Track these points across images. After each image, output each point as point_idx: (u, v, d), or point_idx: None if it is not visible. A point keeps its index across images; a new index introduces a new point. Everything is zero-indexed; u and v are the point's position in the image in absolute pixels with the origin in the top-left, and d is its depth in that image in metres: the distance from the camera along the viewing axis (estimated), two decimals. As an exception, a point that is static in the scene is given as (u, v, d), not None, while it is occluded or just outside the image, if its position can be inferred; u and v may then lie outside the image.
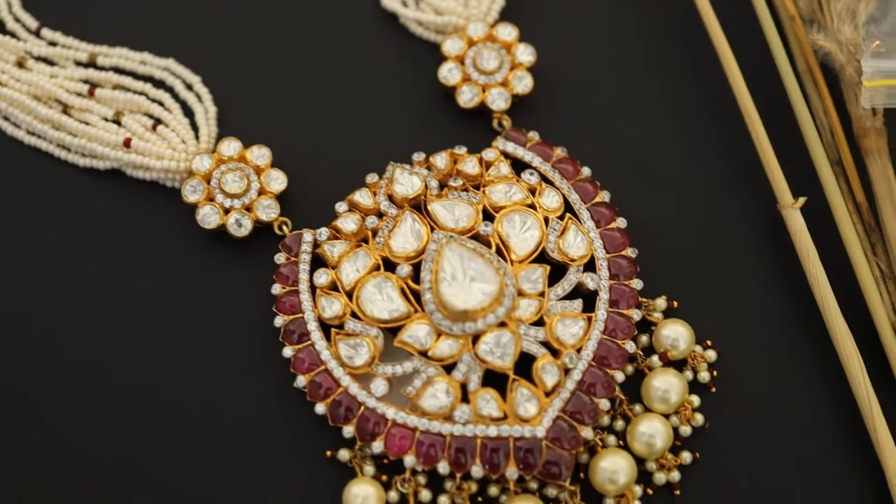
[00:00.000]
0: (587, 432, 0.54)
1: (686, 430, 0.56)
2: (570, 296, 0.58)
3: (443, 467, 0.54)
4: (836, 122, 0.62)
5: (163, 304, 0.59)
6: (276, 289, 0.58)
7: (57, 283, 0.60)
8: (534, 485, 0.55)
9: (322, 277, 0.57)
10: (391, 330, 0.56)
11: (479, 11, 0.65)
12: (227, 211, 0.59)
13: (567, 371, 0.55)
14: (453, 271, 0.55)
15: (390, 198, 0.59)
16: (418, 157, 0.61)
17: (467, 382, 0.55)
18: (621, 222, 0.59)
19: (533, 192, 0.59)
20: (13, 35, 0.66)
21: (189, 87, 0.64)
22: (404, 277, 0.57)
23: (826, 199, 0.60)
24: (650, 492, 0.56)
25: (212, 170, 0.60)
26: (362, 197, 0.59)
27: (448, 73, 0.63)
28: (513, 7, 0.67)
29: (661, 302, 0.59)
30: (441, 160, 0.60)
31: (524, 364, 0.55)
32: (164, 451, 0.56)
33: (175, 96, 0.64)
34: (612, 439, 0.56)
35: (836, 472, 0.56)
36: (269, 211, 0.60)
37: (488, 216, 0.59)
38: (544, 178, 0.61)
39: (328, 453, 0.56)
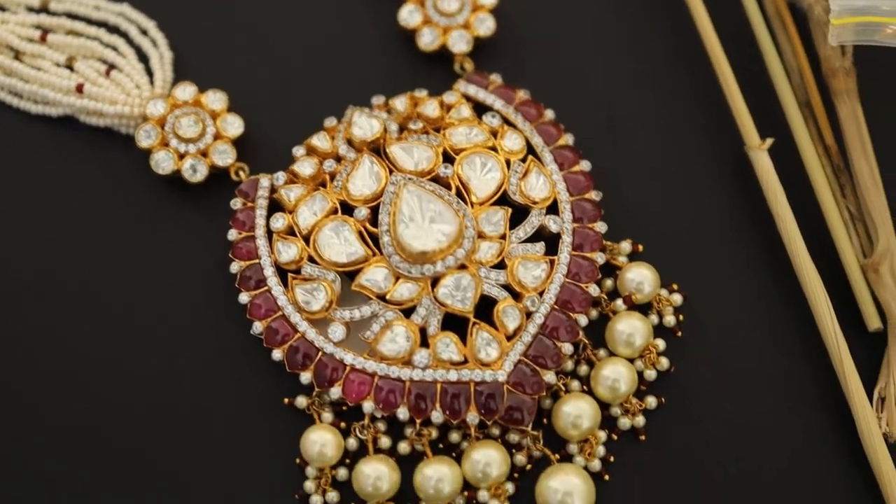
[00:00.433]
0: (550, 377, 0.53)
1: (651, 374, 0.55)
2: (532, 239, 0.56)
3: (402, 413, 0.53)
4: (805, 63, 0.61)
5: (117, 253, 0.58)
6: (232, 234, 0.57)
7: (8, 232, 0.58)
8: (496, 431, 0.54)
9: (278, 222, 0.56)
10: (349, 274, 0.55)
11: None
12: (181, 156, 0.58)
13: (529, 315, 0.54)
14: (411, 213, 0.54)
15: (349, 142, 0.58)
16: (377, 100, 0.60)
17: (427, 326, 0.54)
18: (585, 165, 0.58)
19: (494, 134, 0.58)
20: (-36, -18, 0.65)
21: (144, 32, 0.63)
22: (362, 220, 0.55)
23: (794, 141, 0.59)
24: (615, 437, 0.55)
25: (166, 114, 0.58)
26: (320, 141, 0.58)
27: (408, 16, 0.62)
28: (476, -51, 0.66)
29: (625, 245, 0.58)
30: (401, 103, 0.59)
31: (485, 308, 0.54)
32: (119, 401, 0.55)
33: (129, 42, 0.63)
34: (575, 384, 0.55)
35: (805, 416, 0.55)
36: (224, 156, 0.58)
37: (448, 159, 0.57)
38: (506, 121, 0.59)
39: (286, 401, 0.55)
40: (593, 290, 0.55)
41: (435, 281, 0.54)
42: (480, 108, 0.60)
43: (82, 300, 0.57)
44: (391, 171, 0.56)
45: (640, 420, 0.55)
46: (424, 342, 0.54)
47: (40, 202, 0.59)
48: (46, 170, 0.60)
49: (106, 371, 0.56)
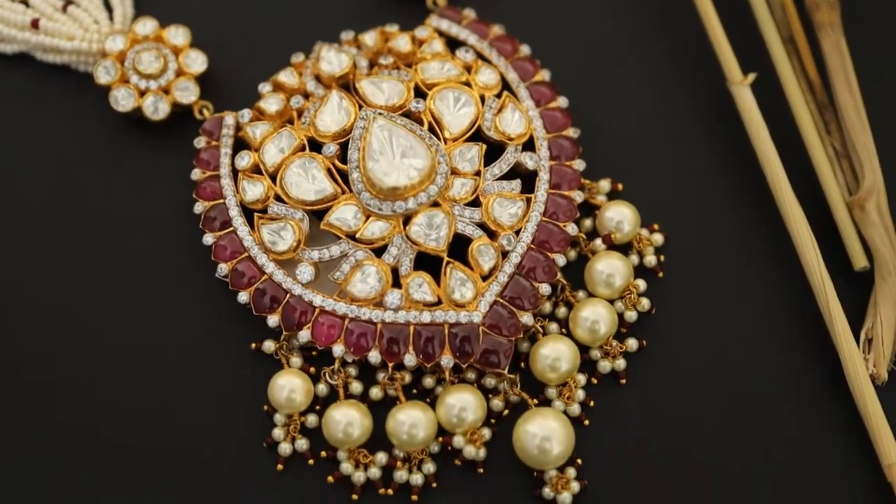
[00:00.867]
0: (527, 318, 0.52)
1: (632, 315, 0.54)
2: (508, 176, 0.54)
3: (374, 357, 0.51)
4: (788, -4, 0.60)
5: (76, 195, 0.56)
6: (196, 174, 0.55)
7: (-38, 175, 0.57)
8: (471, 375, 0.53)
9: (244, 160, 0.54)
10: (317, 213, 0.53)
11: None
12: (142, 93, 0.56)
13: (505, 254, 0.53)
14: (382, 148, 0.52)
15: (317, 78, 0.56)
16: (347, 35, 0.58)
17: (398, 266, 0.52)
18: (562, 101, 0.56)
19: (468, 69, 0.56)
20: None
21: (102, -34, 0.61)
22: (331, 157, 0.53)
23: (777, 76, 0.57)
24: (594, 381, 0.53)
25: (126, 50, 0.56)
26: (287, 77, 0.56)
27: (379, -51, 0.60)
28: None
29: (604, 184, 0.56)
30: (371, 38, 0.57)
31: (459, 247, 0.53)
32: (77, 348, 0.53)
33: (88, -24, 0.61)
34: (553, 326, 0.54)
35: (790, 358, 0.54)
36: (187, 93, 0.56)
37: (420, 94, 0.55)
38: (480, 56, 0.57)
39: (252, 345, 0.53)
40: (571, 229, 0.54)
41: (407, 219, 0.52)
42: (453, 45, 0.58)
43: (40, 244, 0.55)
44: (361, 107, 0.54)
45: (621, 363, 0.53)
46: (396, 283, 0.52)
47: (-5, 144, 0.58)
48: (1, 110, 0.57)
49: (65, 318, 0.54)
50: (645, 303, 0.54)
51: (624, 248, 0.55)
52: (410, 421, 0.51)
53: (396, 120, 0.53)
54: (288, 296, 0.52)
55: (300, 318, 0.52)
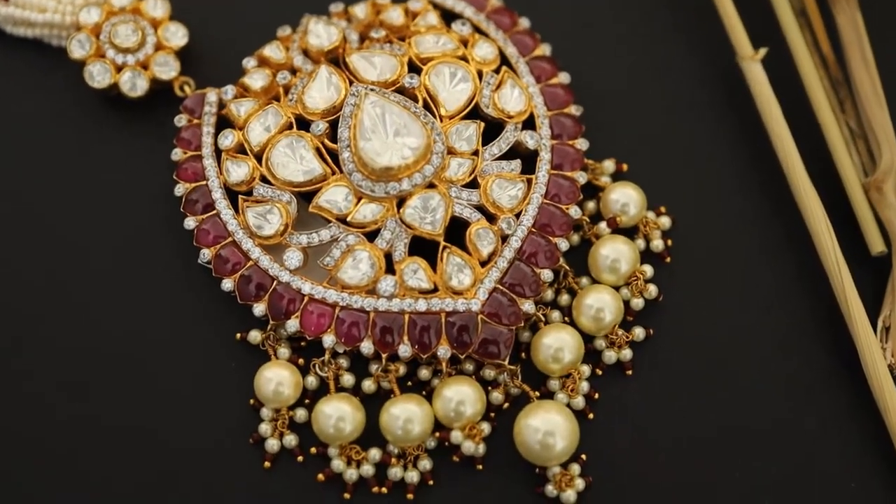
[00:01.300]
0: (528, 306, 0.49)
1: (638, 302, 0.51)
2: (508, 156, 0.52)
3: (366, 347, 0.49)
4: (800, -33, 0.58)
5: (50, 176, 0.53)
6: (177, 154, 0.52)
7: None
8: (469, 366, 0.50)
9: (227, 139, 0.51)
10: (306, 195, 0.50)
11: None
12: (119, 68, 0.53)
13: (505, 238, 0.50)
14: (374, 126, 0.50)
15: (305, 52, 0.54)
16: (336, 7, 0.55)
17: (392, 251, 0.49)
18: (564, 77, 0.54)
19: (465, 43, 0.54)
20: None
21: (76, -66, 0.58)
22: (320, 136, 0.51)
23: (790, 51, 0.55)
24: (599, 372, 0.51)
25: (101, 22, 0.53)
26: (273, 51, 0.53)
27: (370, -84, 0.58)
28: None
29: (608, 164, 0.54)
30: (361, 10, 0.54)
31: (456, 231, 0.50)
32: (54, 339, 0.51)
33: (61, -55, 0.58)
34: (556, 315, 0.51)
35: (805, 348, 0.51)
36: (167, 69, 0.54)
37: (414, 69, 0.53)
38: (477, 30, 0.55)
39: (237, 336, 0.51)
40: (574, 212, 0.51)
41: (401, 201, 0.50)
42: (449, 17, 0.55)
43: (9, 229, 0.52)
44: (351, 83, 0.52)
45: (627, 353, 0.51)
46: (390, 269, 0.49)
47: (-37, 123, 0.55)
48: (-31, 87, 0.55)
49: (40, 307, 0.51)
50: (652, 289, 0.51)
51: (629, 232, 0.53)
52: (405, 415, 0.48)
53: (389, 96, 0.50)
54: (275, 283, 0.49)
55: (288, 306, 0.49)
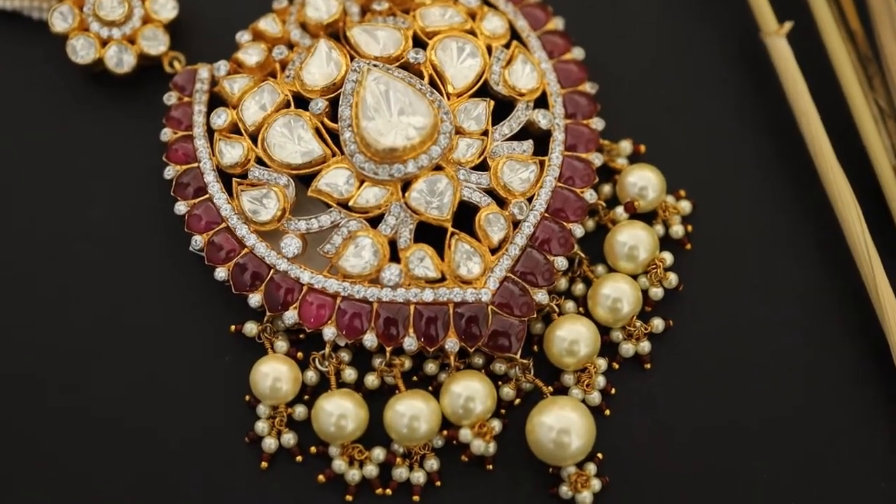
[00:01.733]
0: (541, 296, 0.47)
1: (657, 292, 0.49)
2: (519, 136, 0.49)
3: (369, 340, 0.46)
4: (827, -64, 0.55)
5: (32, 158, 0.51)
6: (167, 134, 0.50)
7: None
8: (479, 360, 0.48)
9: (220, 118, 0.49)
10: (304, 179, 0.48)
11: None
12: (104, 43, 0.51)
13: (516, 224, 0.48)
14: (377, 104, 0.47)
15: (302, 26, 0.51)
16: (335, -23, 0.53)
17: (397, 238, 0.47)
18: (578, 53, 0.52)
19: (473, 16, 0.51)
20: None
21: None
22: (319, 115, 0.48)
23: (815, 26, 0.52)
24: (616, 366, 0.48)
25: (85, -7, 0.51)
26: (269, 24, 0.51)
27: None
28: None
29: (625, 145, 0.51)
30: (363, -19, 0.52)
31: (465, 216, 0.47)
32: (42, 332, 0.48)
33: (42, -87, 0.55)
34: (570, 305, 0.49)
35: (832, 341, 0.49)
36: (155, 43, 0.51)
37: (420, 43, 0.50)
38: (486, 2, 0.52)
39: (232, 328, 0.48)
40: (589, 196, 0.49)
41: (406, 185, 0.47)
42: (455, -10, 0.54)
43: (-10, 214, 0.51)
44: (352, 58, 0.49)
45: (646, 345, 0.48)
46: (395, 257, 0.47)
47: (-61, 102, 0.52)
48: (-55, 64, 0.53)
49: (24, 296, 0.49)
50: (672, 278, 0.49)
51: (648, 218, 0.50)
52: (411, 412, 0.46)
53: (393, 72, 0.48)
54: (272, 272, 0.47)
55: (286, 296, 0.47)
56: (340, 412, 0.46)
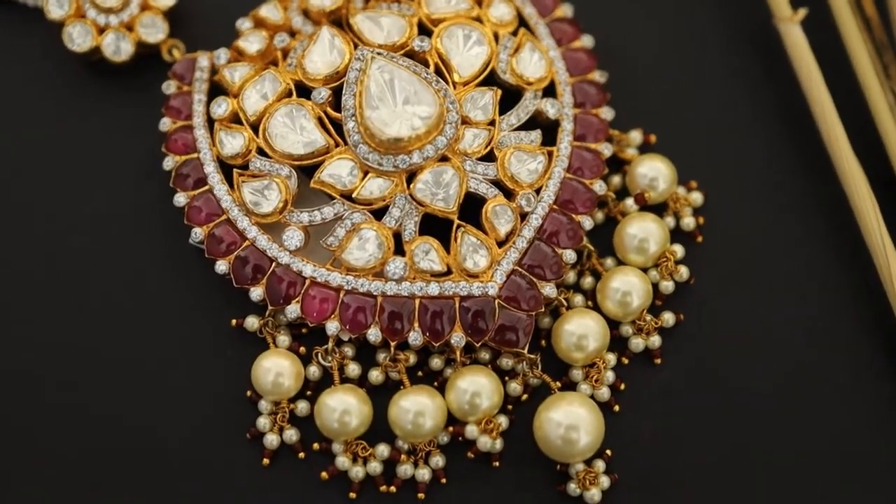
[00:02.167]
0: (549, 289, 0.46)
1: (668, 285, 0.48)
2: (527, 126, 0.48)
3: (373, 335, 0.45)
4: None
5: (27, 149, 0.50)
6: (166, 124, 0.49)
7: None
8: (485, 355, 0.47)
9: (221, 107, 0.48)
10: (307, 170, 0.47)
11: None
12: (101, 30, 0.50)
13: (524, 216, 0.47)
14: (381, 93, 0.46)
15: (305, 13, 0.50)
16: (338, -37, 0.52)
17: (402, 230, 0.46)
18: (587, 41, 0.50)
19: (479, 3, 0.50)
20: None
21: None
22: (322, 104, 0.47)
23: (830, 12, 0.51)
24: (626, 361, 0.47)
25: (82, -21, 0.50)
26: (270, 11, 0.50)
27: None
28: None
29: (635, 135, 0.50)
30: (366, -33, 0.51)
31: (472, 208, 0.46)
32: (39, 329, 0.47)
33: None
34: (579, 299, 0.48)
35: (846, 339, 0.48)
36: (154, 31, 0.50)
37: (425, 31, 0.49)
38: (493, -12, 0.52)
39: (233, 322, 0.47)
40: (599, 187, 0.48)
41: (411, 176, 0.46)
42: (461, -24, 0.52)
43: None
44: (356, 46, 0.48)
45: (656, 340, 0.47)
46: (399, 250, 0.46)
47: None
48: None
49: (21, 292, 0.48)
50: (683, 271, 0.48)
51: (658, 210, 0.49)
52: (416, 408, 0.45)
53: (398, 61, 0.47)
54: (273, 265, 0.46)
55: (288, 290, 0.46)
56: (344, 408, 0.45)
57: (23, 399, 0.47)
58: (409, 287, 0.45)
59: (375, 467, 0.46)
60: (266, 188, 0.46)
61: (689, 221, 0.49)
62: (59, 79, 0.51)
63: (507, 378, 0.47)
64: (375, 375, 0.47)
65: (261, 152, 0.47)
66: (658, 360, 0.48)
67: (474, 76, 0.48)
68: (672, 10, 0.53)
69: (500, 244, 0.46)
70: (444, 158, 0.46)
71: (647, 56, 0.52)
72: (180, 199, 0.48)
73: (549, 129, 0.49)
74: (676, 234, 0.49)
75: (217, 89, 0.50)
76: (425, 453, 0.46)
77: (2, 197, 0.49)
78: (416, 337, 0.45)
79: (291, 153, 0.47)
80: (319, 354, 0.47)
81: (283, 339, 0.47)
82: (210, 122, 0.49)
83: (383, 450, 0.46)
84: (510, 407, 0.47)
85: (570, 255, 0.47)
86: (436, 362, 0.47)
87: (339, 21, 0.49)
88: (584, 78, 0.50)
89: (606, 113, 0.49)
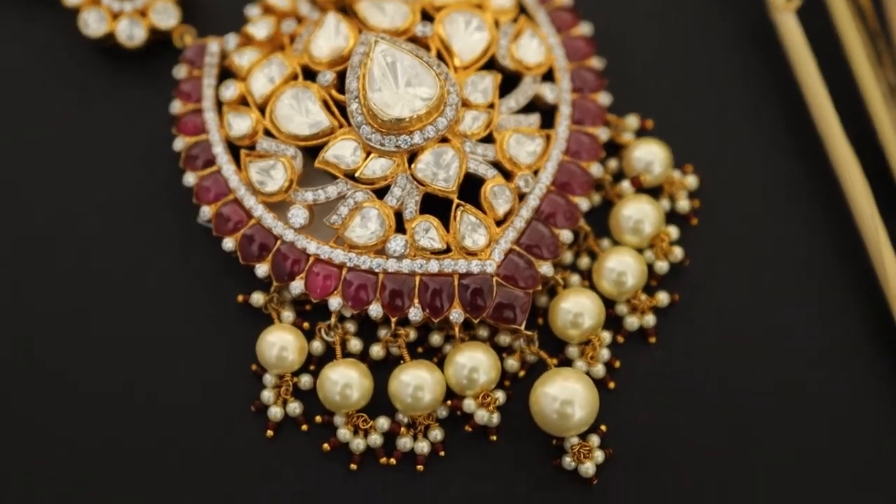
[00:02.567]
0: (546, 268, 0.46)
1: (662, 266, 0.49)
2: (526, 110, 0.49)
3: (375, 310, 0.46)
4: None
5: (43, 132, 0.51)
6: (176, 107, 0.50)
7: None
8: (483, 332, 0.47)
9: (229, 90, 0.49)
10: (312, 151, 0.48)
11: None
12: (115, 16, 0.51)
13: (522, 196, 0.47)
14: (384, 76, 0.47)
15: (312, 0, 0.51)
16: (345, -47, 0.53)
17: (403, 209, 0.47)
18: (586, 28, 0.51)
19: None
20: None
21: None
22: (327, 87, 0.48)
23: (824, 2, 0.52)
24: (621, 339, 0.48)
25: (97, -32, 0.51)
26: None
27: None
28: None
29: (632, 120, 0.51)
30: (372, -44, 0.52)
31: (471, 189, 0.47)
32: (49, 303, 0.48)
33: None
34: (575, 278, 0.48)
35: (838, 318, 0.49)
36: (166, 17, 0.51)
37: (427, 17, 0.50)
38: (494, -23, 0.53)
39: (239, 298, 0.48)
40: (596, 170, 0.48)
41: (412, 156, 0.47)
42: (464, -35, 0.53)
43: (5, 186, 0.50)
44: (360, 31, 0.49)
45: (650, 319, 0.48)
46: (401, 228, 0.47)
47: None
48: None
49: (34, 268, 0.49)
50: (677, 252, 0.49)
51: (654, 192, 0.50)
52: (416, 382, 0.45)
53: (401, 45, 0.48)
54: (279, 242, 0.47)
55: (292, 267, 0.46)
56: (345, 381, 0.46)
57: (32, 373, 0.47)
58: (409, 264, 0.46)
59: (376, 440, 0.46)
60: (272, 168, 0.47)
61: (684, 204, 0.50)
62: (72, 64, 0.52)
63: (504, 354, 0.47)
64: (376, 350, 0.47)
65: (267, 133, 0.48)
66: (653, 339, 0.48)
67: (475, 61, 0.49)
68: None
69: (499, 224, 0.47)
70: (444, 140, 0.47)
71: (644, 44, 0.53)
72: (190, 178, 0.48)
73: (547, 114, 0.49)
74: (672, 217, 0.50)
75: (226, 74, 0.50)
76: (424, 427, 0.46)
77: (20, 176, 0.50)
78: (416, 313, 0.46)
79: (297, 134, 0.47)
80: (322, 330, 0.47)
81: (288, 314, 0.48)
82: (219, 104, 0.49)
83: (383, 423, 0.46)
84: (507, 383, 0.47)
85: (566, 236, 0.47)
86: (435, 339, 0.48)
87: (345, 8, 0.50)
88: (582, 64, 0.50)
89: (604, 98, 0.50)
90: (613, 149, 0.51)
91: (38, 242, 0.49)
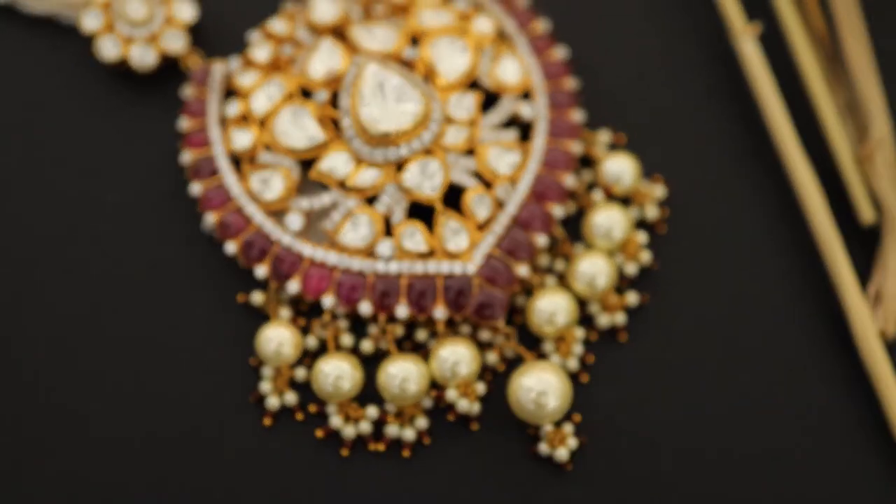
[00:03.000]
0: (523, 270, 0.50)
1: (632, 269, 0.52)
2: (506, 126, 0.53)
3: (365, 308, 0.50)
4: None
5: (59, 149, 0.54)
6: (184, 123, 0.53)
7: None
8: (466, 328, 0.51)
9: (232, 108, 0.53)
10: (308, 163, 0.51)
11: None
12: (129, 42, 0.54)
13: (501, 204, 0.51)
14: (374, 93, 0.51)
15: (309, 26, 0.54)
16: (340, -17, 0.57)
17: (391, 215, 0.51)
18: (561, 52, 0.55)
19: (464, 18, 0.54)
20: None
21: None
22: (322, 104, 0.52)
23: (781, 28, 0.55)
24: (593, 337, 0.51)
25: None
26: (277, 25, 0.54)
27: None
28: None
29: (604, 135, 0.54)
30: (364, -14, 0.56)
31: (454, 198, 0.51)
32: (62, 302, 0.52)
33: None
34: (551, 281, 0.52)
35: (795, 315, 0.52)
36: (175, 42, 0.54)
37: (415, 42, 0.54)
38: (476, 5, 0.55)
39: (240, 297, 0.51)
40: (570, 180, 0.52)
41: (399, 167, 0.51)
42: (449, -5, 0.57)
43: (23, 197, 0.53)
44: (353, 54, 0.53)
45: (621, 317, 0.51)
46: (389, 233, 0.50)
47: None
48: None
49: (49, 271, 0.52)
50: (646, 256, 0.52)
51: (625, 201, 0.53)
52: (402, 374, 0.49)
53: (390, 66, 0.51)
54: (277, 246, 0.50)
55: (289, 268, 0.50)
56: (338, 373, 0.49)
57: (40, 372, 0.51)
58: (396, 266, 0.50)
59: (365, 427, 0.50)
60: (271, 178, 0.51)
61: (652, 212, 0.53)
62: (91, 87, 0.55)
63: (485, 349, 0.51)
64: (367, 345, 0.51)
65: (267, 147, 0.52)
66: (623, 337, 0.51)
67: (458, 81, 0.52)
68: (640, 21, 0.57)
69: (479, 229, 0.50)
70: (429, 152, 0.51)
71: (617, 64, 0.56)
72: (195, 187, 0.52)
73: (525, 130, 0.53)
74: (642, 226, 0.53)
75: (230, 93, 0.54)
76: (411, 416, 0.50)
77: (40, 185, 0.53)
78: (402, 311, 0.50)
79: (294, 148, 0.51)
80: (317, 326, 0.51)
81: (285, 312, 0.51)
82: (223, 121, 0.53)
83: (373, 411, 0.50)
84: (489, 377, 0.50)
85: (542, 241, 0.51)
86: (421, 335, 0.51)
87: (339, 33, 0.54)
88: (557, 84, 0.54)
89: (578, 115, 0.53)
90: (587, 161, 0.54)
91: (56, 242, 0.52)
